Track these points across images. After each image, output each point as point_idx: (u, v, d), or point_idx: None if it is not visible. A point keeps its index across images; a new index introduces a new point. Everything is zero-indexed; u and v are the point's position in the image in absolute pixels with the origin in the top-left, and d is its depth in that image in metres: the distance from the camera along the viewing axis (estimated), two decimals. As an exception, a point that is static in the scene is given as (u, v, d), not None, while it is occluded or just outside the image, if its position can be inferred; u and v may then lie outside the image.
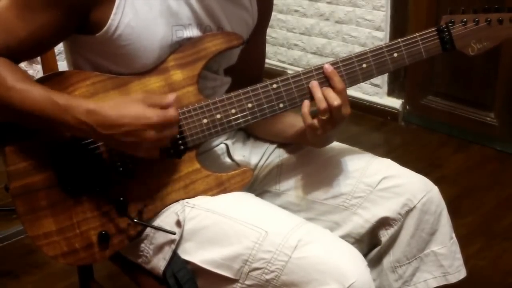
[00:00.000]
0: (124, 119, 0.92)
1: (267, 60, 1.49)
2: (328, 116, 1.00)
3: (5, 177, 1.01)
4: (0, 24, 0.97)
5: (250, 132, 1.27)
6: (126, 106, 0.93)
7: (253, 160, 1.23)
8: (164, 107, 0.95)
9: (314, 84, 1.02)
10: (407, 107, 2.96)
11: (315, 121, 1.02)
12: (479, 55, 1.07)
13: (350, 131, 2.81)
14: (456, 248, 1.14)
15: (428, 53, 1.05)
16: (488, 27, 1.05)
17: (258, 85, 1.03)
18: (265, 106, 1.04)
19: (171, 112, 0.95)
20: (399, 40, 1.04)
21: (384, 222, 1.10)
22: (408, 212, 1.09)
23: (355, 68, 1.04)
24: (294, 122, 1.17)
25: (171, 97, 0.96)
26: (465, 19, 1.05)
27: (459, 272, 1.13)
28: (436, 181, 1.14)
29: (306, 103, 1.03)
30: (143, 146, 0.95)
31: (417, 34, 1.05)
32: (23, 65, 2.00)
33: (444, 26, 1.05)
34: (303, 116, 1.02)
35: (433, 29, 1.05)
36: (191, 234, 1.02)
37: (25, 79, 0.96)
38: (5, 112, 0.97)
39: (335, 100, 0.99)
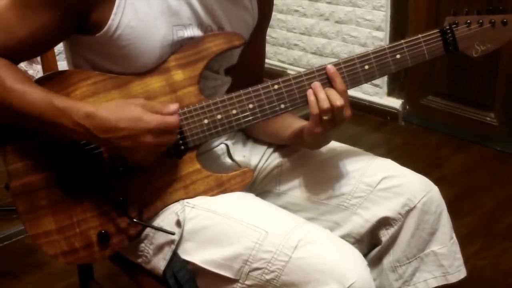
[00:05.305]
0: (122, 122, 0.92)
1: (267, 60, 1.49)
2: (330, 116, 1.00)
3: (5, 177, 1.01)
4: None
5: (247, 133, 1.27)
6: (125, 109, 0.93)
7: (254, 160, 1.23)
8: (165, 114, 0.95)
9: (317, 85, 1.02)
10: (407, 107, 2.96)
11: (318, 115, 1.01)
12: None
13: (350, 131, 2.81)
14: (456, 248, 1.14)
15: (431, 55, 1.05)
16: (492, 28, 1.04)
17: (260, 86, 1.03)
18: (266, 106, 1.04)
19: (171, 118, 0.95)
20: (402, 41, 1.04)
21: (384, 222, 1.10)
22: (408, 212, 1.09)
23: (357, 70, 1.04)
24: (290, 123, 1.16)
25: (173, 106, 0.97)
26: (469, 21, 1.04)
27: (459, 272, 1.13)
28: (436, 181, 1.14)
29: (311, 92, 1.02)
30: (140, 151, 0.95)
31: (420, 35, 1.04)
32: (23, 65, 2.00)
33: (447, 27, 1.04)
34: (310, 105, 1.01)
35: (436, 30, 1.05)
36: (191, 234, 1.02)
37: (25, 81, 0.96)
38: (4, 114, 0.97)
39: (338, 100, 0.99)
